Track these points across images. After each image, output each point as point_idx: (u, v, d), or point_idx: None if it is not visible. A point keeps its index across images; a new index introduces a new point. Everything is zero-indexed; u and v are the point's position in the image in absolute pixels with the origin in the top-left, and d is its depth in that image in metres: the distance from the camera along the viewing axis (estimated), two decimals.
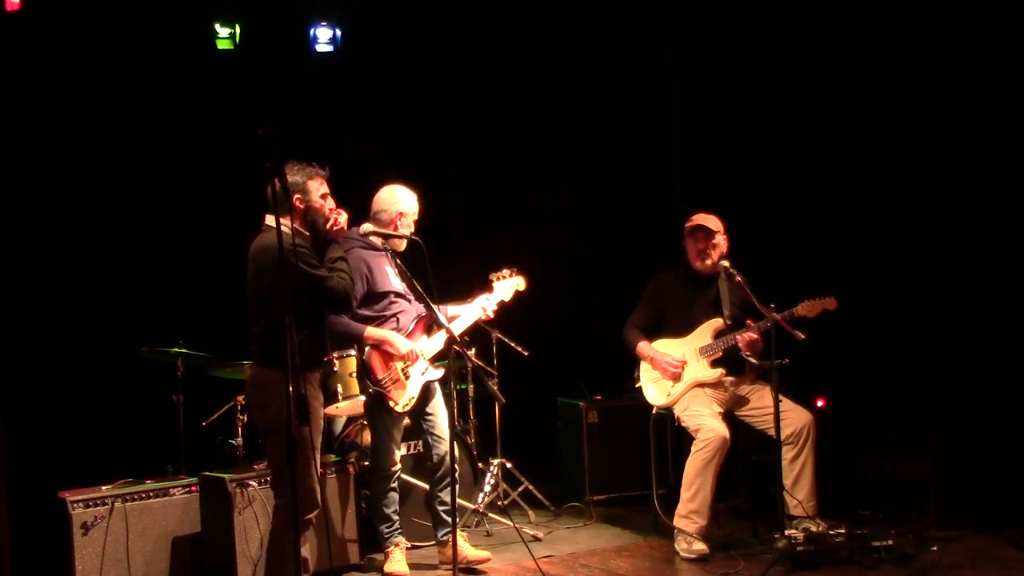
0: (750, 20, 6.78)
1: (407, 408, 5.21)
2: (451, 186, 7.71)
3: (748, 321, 5.45)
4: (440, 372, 5.36)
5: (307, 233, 4.48)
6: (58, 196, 6.06)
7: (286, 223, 4.25)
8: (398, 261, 5.22)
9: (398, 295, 5.33)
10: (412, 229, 5.33)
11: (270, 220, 4.45)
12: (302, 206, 4.44)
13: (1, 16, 5.27)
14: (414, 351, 5.21)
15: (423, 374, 5.28)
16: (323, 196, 4.53)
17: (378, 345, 5.19)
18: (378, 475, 5.31)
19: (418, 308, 5.35)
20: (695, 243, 5.71)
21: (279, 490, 4.41)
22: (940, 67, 5.67)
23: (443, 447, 5.31)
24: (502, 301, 5.60)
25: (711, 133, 7.15)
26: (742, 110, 6.88)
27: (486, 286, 5.60)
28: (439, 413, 5.38)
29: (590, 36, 7.55)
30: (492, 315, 5.56)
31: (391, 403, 5.17)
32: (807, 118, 6.51)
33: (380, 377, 5.17)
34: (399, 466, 5.34)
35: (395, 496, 5.33)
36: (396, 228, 5.27)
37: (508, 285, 5.62)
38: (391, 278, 5.32)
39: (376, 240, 5.31)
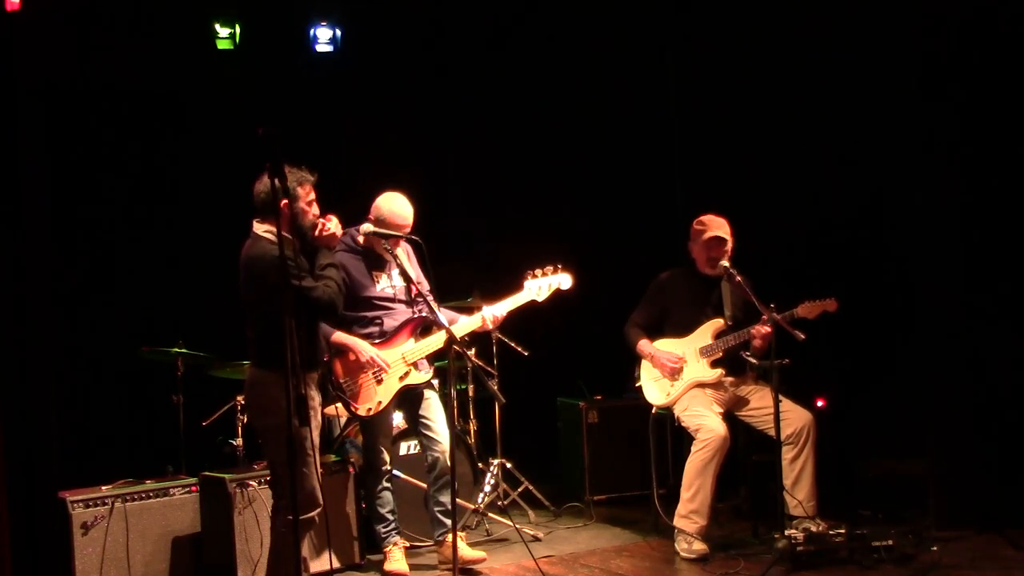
0: (750, 20, 6.78)
1: (370, 412, 5.17)
2: (450, 186, 7.70)
3: (763, 316, 5.39)
4: (426, 376, 5.30)
5: (292, 239, 4.43)
6: (58, 196, 6.05)
7: (274, 229, 4.26)
8: (402, 261, 5.20)
9: (386, 299, 5.29)
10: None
11: (257, 228, 4.46)
12: (288, 212, 4.40)
13: (1, 16, 5.26)
14: (374, 359, 5.14)
15: (402, 379, 5.23)
16: (309, 203, 4.51)
17: (343, 350, 5.18)
18: (371, 475, 5.31)
19: (417, 310, 5.33)
20: (708, 250, 5.66)
21: (277, 490, 4.42)
22: (941, 66, 5.66)
23: (439, 448, 5.27)
24: (533, 301, 5.36)
25: (711, 133, 7.15)
26: (742, 110, 6.89)
27: (517, 284, 5.38)
28: (434, 415, 5.33)
29: (590, 36, 7.55)
30: (492, 324, 5.32)
31: (353, 408, 5.16)
32: (806, 117, 6.51)
33: (341, 381, 5.15)
34: (389, 465, 5.33)
35: (389, 496, 5.33)
36: None
37: (542, 284, 5.34)
38: (376, 282, 5.28)
39: (352, 242, 5.28)
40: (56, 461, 5.30)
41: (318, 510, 4.41)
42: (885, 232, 6.32)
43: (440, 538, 5.31)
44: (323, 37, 7.30)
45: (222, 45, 7.01)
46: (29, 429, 5.16)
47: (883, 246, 6.34)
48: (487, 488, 6.21)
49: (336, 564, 5.30)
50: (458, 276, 6.26)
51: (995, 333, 5.60)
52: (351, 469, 5.49)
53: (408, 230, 5.25)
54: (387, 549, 5.29)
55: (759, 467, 5.85)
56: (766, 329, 5.37)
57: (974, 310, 5.63)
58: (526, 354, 6.34)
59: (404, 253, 5.38)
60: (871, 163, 6.32)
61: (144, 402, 6.52)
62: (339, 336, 5.18)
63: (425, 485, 5.60)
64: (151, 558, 5.08)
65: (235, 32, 7.00)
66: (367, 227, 5.14)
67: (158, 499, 5.14)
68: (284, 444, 4.23)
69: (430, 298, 5.14)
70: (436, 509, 5.30)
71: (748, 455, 5.93)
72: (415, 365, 5.27)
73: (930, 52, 5.69)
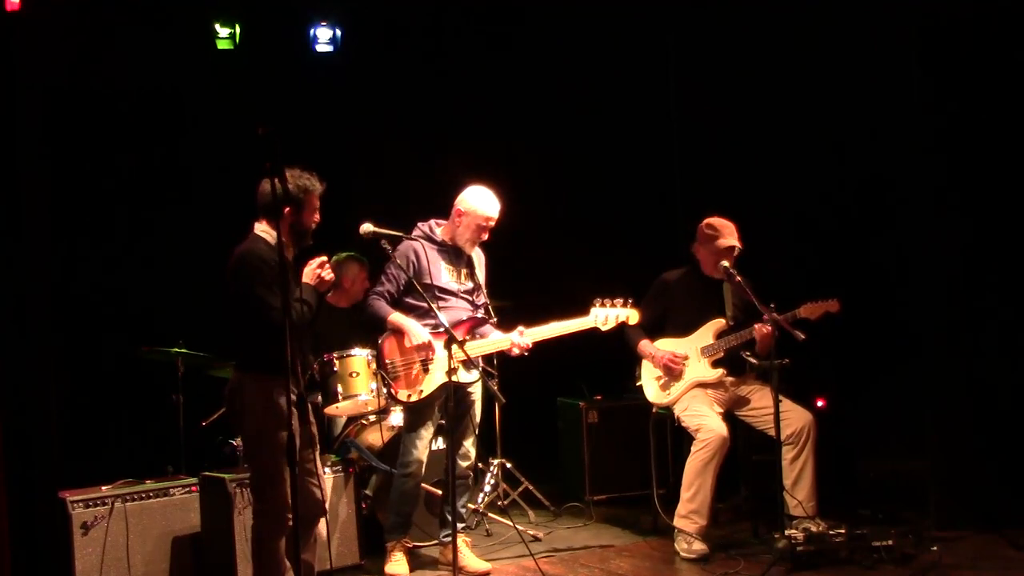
0: (750, 19, 6.79)
1: (409, 399, 5.16)
2: (450, 186, 7.68)
3: (764, 316, 5.37)
4: (473, 377, 5.24)
5: (290, 246, 4.35)
6: (58, 196, 6.04)
7: (273, 231, 4.25)
8: (478, 261, 5.29)
9: (447, 292, 5.26)
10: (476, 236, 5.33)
11: (258, 229, 4.40)
12: (292, 219, 4.32)
13: (1, 16, 5.26)
14: (429, 343, 5.14)
15: (448, 374, 5.21)
16: (312, 210, 4.43)
17: (398, 331, 5.17)
18: (400, 469, 5.28)
19: (476, 312, 5.33)
20: (718, 255, 5.61)
21: (257, 494, 4.36)
22: (943, 67, 5.66)
23: (461, 451, 5.24)
24: (595, 328, 5.32)
25: (711, 133, 7.15)
26: (742, 110, 6.89)
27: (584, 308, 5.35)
28: (469, 423, 5.32)
29: (590, 35, 7.55)
30: (517, 351, 5.27)
31: (393, 390, 5.16)
32: (807, 118, 6.52)
33: (387, 361, 5.16)
34: (417, 464, 5.25)
35: (412, 494, 5.29)
36: (457, 227, 5.30)
37: (610, 314, 5.28)
38: (443, 274, 5.27)
39: (431, 232, 5.33)
40: (56, 461, 5.29)
41: (318, 516, 4.42)
42: (885, 232, 6.32)
43: (448, 539, 5.29)
44: (323, 37, 7.29)
45: (222, 45, 7.01)
46: (29, 429, 5.16)
47: (884, 246, 6.34)
48: (487, 488, 6.21)
49: (336, 564, 5.29)
50: None
51: (995, 333, 5.61)
52: (351, 469, 5.49)
53: (493, 223, 5.29)
54: (389, 546, 5.28)
55: (759, 467, 5.86)
56: (767, 329, 5.35)
57: (974, 310, 5.63)
58: (526, 354, 6.32)
59: (477, 259, 5.41)
60: (871, 163, 6.32)
61: (144, 402, 6.51)
62: (396, 317, 5.18)
63: (430, 488, 5.59)
64: (151, 558, 5.07)
65: (235, 32, 6.99)
66: (367, 227, 5.09)
67: (158, 499, 5.13)
68: (263, 449, 4.22)
69: (482, 307, 5.26)
70: (448, 510, 5.26)
71: (748, 455, 5.94)
72: (463, 364, 5.16)
73: (931, 52, 5.69)
